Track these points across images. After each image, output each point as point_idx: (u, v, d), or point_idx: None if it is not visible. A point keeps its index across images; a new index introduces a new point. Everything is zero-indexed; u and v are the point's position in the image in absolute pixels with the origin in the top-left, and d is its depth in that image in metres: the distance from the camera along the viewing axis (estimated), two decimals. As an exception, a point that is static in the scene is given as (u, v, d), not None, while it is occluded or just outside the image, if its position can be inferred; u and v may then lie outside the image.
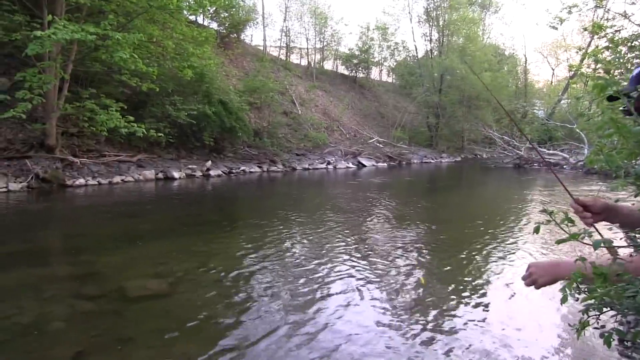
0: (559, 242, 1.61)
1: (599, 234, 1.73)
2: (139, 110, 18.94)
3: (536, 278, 1.85)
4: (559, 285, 1.57)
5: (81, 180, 15.62)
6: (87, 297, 5.96)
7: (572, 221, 1.61)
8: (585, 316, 1.44)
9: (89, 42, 13.84)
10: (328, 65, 46.02)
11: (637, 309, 1.22)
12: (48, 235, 9.73)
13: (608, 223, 2.05)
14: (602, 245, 1.41)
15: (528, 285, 1.87)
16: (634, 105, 1.57)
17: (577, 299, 1.44)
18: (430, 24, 48.55)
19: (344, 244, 9.26)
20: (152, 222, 11.09)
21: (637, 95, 1.57)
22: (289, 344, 4.77)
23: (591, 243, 1.41)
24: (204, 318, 5.41)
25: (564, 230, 1.64)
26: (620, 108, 1.72)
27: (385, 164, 32.61)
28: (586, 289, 1.38)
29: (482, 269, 7.81)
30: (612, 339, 1.36)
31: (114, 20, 14.91)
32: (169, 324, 5.26)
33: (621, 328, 1.39)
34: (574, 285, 1.40)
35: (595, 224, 1.96)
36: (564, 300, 1.44)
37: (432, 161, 37.83)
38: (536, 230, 1.63)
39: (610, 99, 1.69)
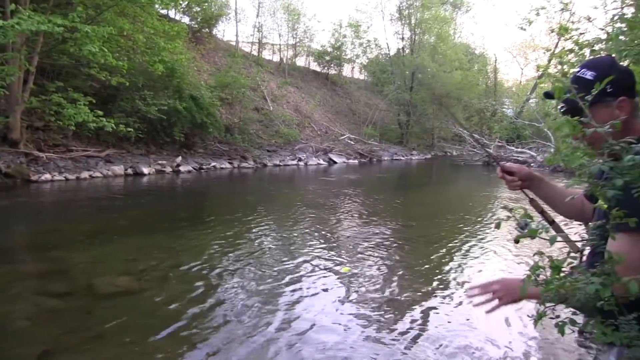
0: (517, 238, 1.68)
1: (558, 229, 1.99)
2: (107, 104, 18.62)
3: (500, 296, 1.92)
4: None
5: (47, 176, 15.32)
6: (54, 294, 5.89)
7: (530, 217, 1.70)
8: (542, 307, 1.52)
9: (56, 34, 13.56)
10: (300, 61, 45.88)
11: (587, 299, 1.30)
12: (12, 232, 9.57)
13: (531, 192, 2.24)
14: (557, 240, 1.49)
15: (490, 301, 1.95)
16: (567, 108, 1.76)
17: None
18: (403, 22, 48.81)
19: (315, 240, 9.31)
20: (121, 218, 10.98)
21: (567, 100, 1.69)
22: (259, 338, 4.82)
23: (548, 238, 1.47)
24: (174, 314, 5.41)
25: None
26: (560, 109, 1.86)
27: (356, 161, 32.80)
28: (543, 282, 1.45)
29: (451, 265, 7.97)
30: (566, 329, 1.46)
31: (83, 12, 14.60)
32: (139, 320, 5.29)
33: (575, 318, 1.48)
34: (532, 278, 1.47)
35: (524, 190, 2.23)
36: (523, 292, 1.57)
37: (402, 158, 38.15)
38: (497, 226, 1.69)
39: (547, 95, 1.93)
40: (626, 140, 1.37)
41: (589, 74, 1.73)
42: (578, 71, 1.80)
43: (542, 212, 2.21)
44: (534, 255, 1.56)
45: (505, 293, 1.91)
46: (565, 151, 1.55)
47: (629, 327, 1.31)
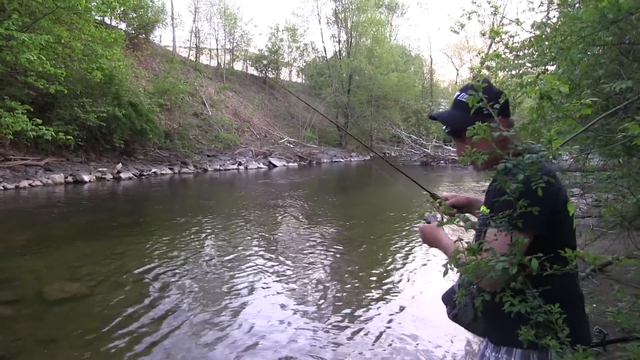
0: (440, 225, 1.92)
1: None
2: (45, 112, 18.43)
3: (422, 237, 2.16)
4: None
5: (-15, 186, 15.08)
6: (2, 302, 5.98)
7: (431, 212, 2.12)
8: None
9: (-10, 42, 13.42)
10: (238, 66, 45.92)
11: (499, 276, 1.46)
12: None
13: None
14: (471, 227, 1.74)
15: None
16: (451, 129, 2.02)
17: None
18: (339, 25, 49.59)
19: (256, 242, 9.67)
20: (65, 226, 10.99)
21: (447, 122, 1.99)
22: (208, 339, 5.12)
23: (463, 225, 1.72)
24: (125, 317, 5.65)
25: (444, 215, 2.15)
26: (445, 129, 2.09)
27: (296, 164, 33.21)
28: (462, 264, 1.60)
29: (391, 261, 8.46)
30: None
31: (18, 20, 14.47)
32: (91, 324, 5.47)
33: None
34: (454, 261, 1.63)
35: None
36: (445, 273, 1.65)
37: (342, 160, 38.74)
38: (421, 216, 1.94)
39: (431, 117, 2.16)
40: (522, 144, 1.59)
41: (464, 97, 1.84)
42: (458, 95, 1.97)
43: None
44: (455, 242, 1.71)
45: (425, 238, 2.13)
46: (469, 153, 1.65)
47: (533, 298, 1.51)
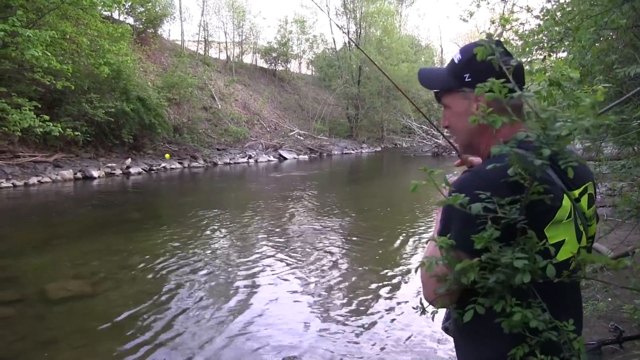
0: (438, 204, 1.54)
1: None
2: (54, 108, 18.44)
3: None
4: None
5: (-6, 183, 15.10)
6: (5, 302, 5.94)
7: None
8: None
9: (-4, 39, 13.37)
10: (247, 59, 45.75)
11: (508, 277, 1.20)
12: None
13: None
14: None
15: None
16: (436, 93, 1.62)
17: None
18: (348, 16, 49.19)
19: (267, 237, 9.58)
20: (73, 223, 10.99)
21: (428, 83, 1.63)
22: (214, 337, 5.07)
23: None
24: (128, 316, 5.59)
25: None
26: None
27: (306, 156, 33.12)
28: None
29: (402, 256, 8.36)
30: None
31: (23, 16, 14.41)
32: (93, 323, 5.41)
33: None
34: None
35: None
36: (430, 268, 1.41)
37: (352, 152, 38.59)
38: (414, 188, 1.39)
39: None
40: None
41: (457, 57, 1.52)
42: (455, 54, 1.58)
43: None
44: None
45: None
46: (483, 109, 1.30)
47: (542, 311, 1.21)
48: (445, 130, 1.65)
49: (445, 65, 1.64)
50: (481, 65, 1.30)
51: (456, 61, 1.50)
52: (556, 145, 1.15)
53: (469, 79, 1.43)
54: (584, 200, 1.42)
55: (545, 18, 5.27)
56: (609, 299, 4.34)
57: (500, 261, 1.16)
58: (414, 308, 1.57)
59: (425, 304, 1.47)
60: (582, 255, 1.25)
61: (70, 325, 5.34)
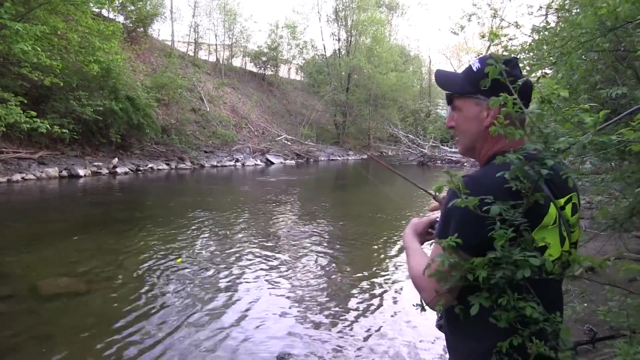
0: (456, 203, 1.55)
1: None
2: (40, 104, 18.22)
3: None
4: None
5: (-24, 179, 14.89)
6: (-4, 297, 5.85)
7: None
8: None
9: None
10: (237, 62, 45.78)
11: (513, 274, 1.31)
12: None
13: None
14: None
15: None
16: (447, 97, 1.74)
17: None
18: (339, 23, 49.51)
19: (253, 239, 9.57)
20: (60, 221, 10.87)
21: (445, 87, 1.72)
22: (203, 334, 5.05)
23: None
24: (121, 313, 5.56)
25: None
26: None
27: (293, 162, 33.11)
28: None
29: (386, 260, 8.39)
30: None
31: (12, 8, 14.21)
32: (87, 320, 5.38)
33: None
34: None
35: None
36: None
37: (339, 159, 38.73)
38: (439, 189, 1.55)
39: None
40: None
41: (476, 65, 1.60)
42: (473, 61, 1.68)
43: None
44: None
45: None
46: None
47: (537, 305, 1.33)
48: (449, 130, 1.73)
49: (461, 70, 1.72)
50: (498, 78, 1.42)
51: (474, 69, 1.59)
52: (557, 157, 1.34)
53: (485, 88, 1.49)
54: (568, 209, 1.54)
55: (534, 37, 5.46)
56: (585, 304, 4.54)
57: (513, 258, 1.27)
58: (414, 305, 1.69)
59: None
60: (573, 255, 1.38)
61: (64, 321, 5.30)
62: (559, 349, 1.33)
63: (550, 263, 1.28)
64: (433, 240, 1.73)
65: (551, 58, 4.69)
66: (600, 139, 1.35)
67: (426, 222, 1.90)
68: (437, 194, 1.84)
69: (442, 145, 38.79)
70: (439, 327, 1.79)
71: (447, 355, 1.67)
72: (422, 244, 1.84)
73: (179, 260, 7.66)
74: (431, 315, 1.75)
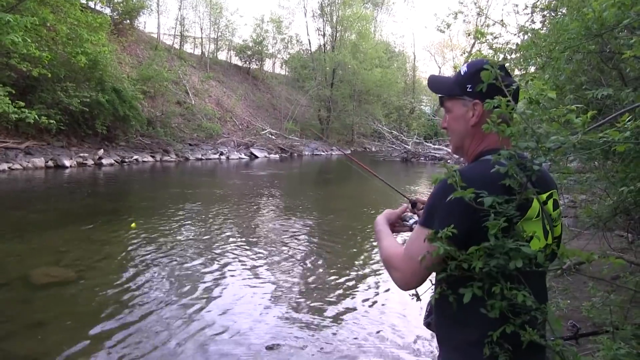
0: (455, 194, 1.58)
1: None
2: (27, 95, 18.26)
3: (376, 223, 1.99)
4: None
5: (-38, 168, 14.93)
6: (-12, 286, 6.02)
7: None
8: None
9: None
10: (222, 55, 45.69)
11: (506, 263, 1.36)
12: None
13: None
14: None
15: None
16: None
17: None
18: (324, 19, 49.40)
19: (237, 232, 9.79)
20: (47, 211, 10.98)
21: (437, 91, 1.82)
22: (193, 326, 5.22)
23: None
24: (112, 301, 5.77)
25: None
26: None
27: (277, 156, 33.28)
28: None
29: (372, 253, 8.59)
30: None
31: (2, 0, 14.28)
32: (79, 308, 5.58)
33: None
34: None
35: None
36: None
37: (322, 154, 38.84)
38: (435, 181, 1.58)
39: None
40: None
41: (464, 69, 1.72)
42: (463, 65, 1.80)
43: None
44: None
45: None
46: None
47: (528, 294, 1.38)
48: (445, 131, 1.84)
49: (452, 74, 1.92)
50: (481, 80, 1.55)
51: (462, 73, 1.71)
52: (549, 155, 1.41)
53: (470, 89, 1.65)
54: (550, 204, 1.63)
55: (521, 37, 5.59)
56: (569, 301, 4.64)
57: (507, 247, 1.36)
58: (410, 296, 1.78)
59: (420, 290, 1.70)
60: (561, 249, 1.49)
61: (57, 309, 5.44)
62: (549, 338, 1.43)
63: (541, 254, 1.37)
64: (408, 229, 1.93)
65: (539, 60, 4.84)
66: (590, 138, 1.41)
67: (398, 212, 2.04)
68: (411, 197, 2.11)
69: (425, 142, 39.03)
70: (427, 325, 1.86)
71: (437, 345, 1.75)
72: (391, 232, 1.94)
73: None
74: (419, 307, 1.88)
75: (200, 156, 27.16)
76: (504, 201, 1.41)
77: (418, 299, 1.78)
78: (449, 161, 30.74)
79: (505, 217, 1.38)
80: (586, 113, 1.44)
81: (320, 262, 7.97)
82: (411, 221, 2.02)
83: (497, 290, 1.37)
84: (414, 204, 2.11)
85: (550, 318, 1.47)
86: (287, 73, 53.12)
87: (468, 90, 1.66)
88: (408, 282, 1.59)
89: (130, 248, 8.04)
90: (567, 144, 1.39)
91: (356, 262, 8.02)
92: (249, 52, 45.52)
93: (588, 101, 3.71)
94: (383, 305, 6.13)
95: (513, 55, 5.71)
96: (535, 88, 1.55)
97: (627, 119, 1.52)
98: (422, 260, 1.48)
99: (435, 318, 1.70)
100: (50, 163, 18.05)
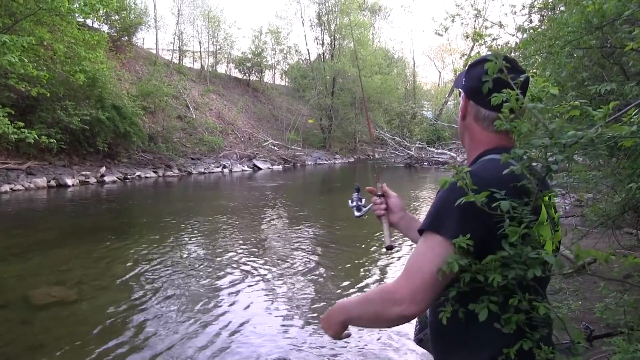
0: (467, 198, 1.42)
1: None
2: (27, 115, 18.26)
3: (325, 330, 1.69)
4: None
5: (-36, 190, 14.88)
6: (-12, 308, 5.93)
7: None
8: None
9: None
10: (221, 68, 45.74)
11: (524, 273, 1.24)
12: None
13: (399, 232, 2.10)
14: None
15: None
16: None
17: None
18: (322, 27, 49.47)
19: (242, 245, 9.70)
20: (49, 230, 10.93)
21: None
22: (195, 343, 5.15)
23: None
24: (113, 321, 5.67)
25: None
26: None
27: (280, 166, 33.17)
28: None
29: (377, 262, 8.51)
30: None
31: (-1, 21, 14.31)
32: (79, 328, 5.49)
33: None
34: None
35: (387, 222, 2.05)
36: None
37: (326, 162, 38.77)
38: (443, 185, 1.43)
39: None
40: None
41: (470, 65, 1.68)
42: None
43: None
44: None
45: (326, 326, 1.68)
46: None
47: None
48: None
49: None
50: (474, 73, 1.56)
51: (467, 68, 1.69)
52: (566, 152, 1.27)
53: (464, 83, 1.64)
54: (551, 207, 1.52)
55: (519, 36, 5.52)
56: (580, 302, 4.54)
57: (525, 256, 1.23)
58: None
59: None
60: (576, 249, 1.35)
61: (57, 330, 5.37)
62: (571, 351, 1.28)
63: (558, 260, 1.26)
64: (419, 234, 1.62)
65: (538, 57, 4.78)
66: (612, 132, 1.31)
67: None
68: (381, 185, 2.11)
69: (428, 147, 38.96)
70: (419, 341, 1.76)
71: None
72: None
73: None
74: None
75: (203, 170, 27.07)
76: (522, 204, 1.30)
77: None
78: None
79: (522, 222, 1.26)
80: (609, 104, 1.33)
81: (327, 273, 7.90)
82: (352, 203, 2.21)
83: (515, 303, 1.25)
84: (357, 189, 2.29)
85: (569, 328, 1.30)
86: (287, 83, 53.14)
87: (463, 83, 1.65)
88: (417, 299, 1.35)
89: (133, 265, 7.96)
90: (585, 139, 1.26)
91: (363, 273, 7.96)
92: (248, 64, 45.51)
93: (591, 97, 3.66)
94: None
95: (512, 55, 5.66)
96: (537, 85, 1.49)
97: (634, 113, 1.46)
98: (438, 272, 1.30)
99: (433, 338, 1.57)
100: (53, 182, 17.99)
